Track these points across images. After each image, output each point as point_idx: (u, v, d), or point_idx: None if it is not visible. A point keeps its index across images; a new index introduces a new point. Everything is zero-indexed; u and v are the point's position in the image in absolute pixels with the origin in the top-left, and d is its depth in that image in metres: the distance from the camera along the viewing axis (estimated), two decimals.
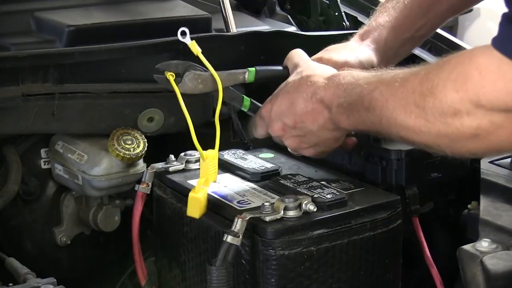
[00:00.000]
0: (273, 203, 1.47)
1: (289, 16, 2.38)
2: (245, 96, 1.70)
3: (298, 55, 1.66)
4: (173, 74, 1.62)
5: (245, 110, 1.70)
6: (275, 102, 1.57)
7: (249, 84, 1.70)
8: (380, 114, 1.38)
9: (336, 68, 1.62)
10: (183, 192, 1.64)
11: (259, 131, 1.64)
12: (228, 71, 1.69)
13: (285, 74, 1.67)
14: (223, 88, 1.64)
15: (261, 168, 1.68)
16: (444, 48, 2.04)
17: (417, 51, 2.00)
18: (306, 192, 1.54)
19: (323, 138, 1.55)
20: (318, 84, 1.51)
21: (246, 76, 1.68)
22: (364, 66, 1.67)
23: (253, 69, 1.69)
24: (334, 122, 1.50)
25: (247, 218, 1.44)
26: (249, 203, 1.53)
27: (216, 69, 1.92)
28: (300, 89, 1.53)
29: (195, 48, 1.63)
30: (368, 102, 1.40)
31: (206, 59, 1.91)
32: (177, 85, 1.61)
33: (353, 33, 2.14)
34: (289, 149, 1.64)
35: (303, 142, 1.57)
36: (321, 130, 1.52)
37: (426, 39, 1.83)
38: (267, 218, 1.45)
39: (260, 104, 1.67)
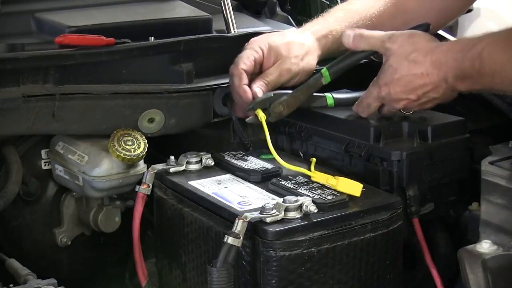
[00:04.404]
0: (274, 204, 1.47)
1: (289, 17, 2.38)
2: (327, 95, 1.81)
3: (379, 36, 1.72)
4: (262, 112, 1.75)
5: (332, 106, 1.81)
6: (390, 85, 1.67)
7: None
8: (491, 72, 1.54)
9: None
10: (183, 193, 1.64)
11: (372, 110, 1.74)
12: (304, 84, 1.80)
13: (360, 58, 1.77)
14: (306, 97, 1.79)
15: (261, 169, 1.68)
16: None
17: None
18: (306, 193, 1.54)
19: (444, 98, 1.68)
20: (426, 62, 1.63)
21: (323, 81, 1.78)
22: None
23: (326, 72, 1.77)
24: (452, 88, 1.64)
25: (247, 219, 1.44)
26: (250, 204, 1.53)
27: (216, 69, 1.94)
28: (414, 70, 1.64)
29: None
30: (478, 65, 1.55)
31: (207, 59, 1.93)
32: (266, 118, 1.75)
33: None
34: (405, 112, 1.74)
35: (428, 105, 1.70)
36: (442, 95, 1.66)
37: None
38: (268, 219, 1.45)
39: (343, 95, 1.80)
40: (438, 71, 1.61)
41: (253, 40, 1.85)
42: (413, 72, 1.64)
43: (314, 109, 1.82)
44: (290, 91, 1.79)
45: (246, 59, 1.80)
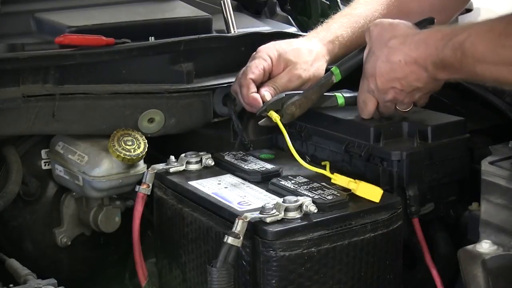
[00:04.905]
0: (274, 204, 1.47)
1: (289, 17, 2.38)
2: (337, 94, 1.80)
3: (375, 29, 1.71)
4: (275, 113, 1.75)
5: (343, 106, 1.80)
6: (375, 76, 1.66)
7: None
8: (473, 62, 1.51)
9: None
10: (183, 193, 1.64)
11: (370, 108, 1.72)
12: (315, 84, 1.80)
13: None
14: (318, 97, 1.79)
15: (261, 169, 1.67)
16: None
17: None
18: (306, 193, 1.54)
19: (429, 88, 1.66)
20: (403, 49, 1.61)
21: (334, 79, 1.78)
22: None
23: (336, 70, 1.78)
24: (433, 77, 1.61)
25: (247, 219, 1.44)
26: (250, 204, 1.53)
27: (216, 69, 1.94)
28: (391, 57, 1.62)
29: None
30: (460, 53, 1.52)
31: (207, 59, 1.93)
32: (280, 120, 1.74)
33: None
34: (401, 109, 1.72)
35: (416, 95, 1.68)
36: (425, 84, 1.63)
37: None
38: (268, 219, 1.45)
39: (353, 93, 1.77)
40: (416, 59, 1.60)
41: (261, 48, 1.84)
42: (392, 60, 1.62)
43: (321, 109, 1.81)
44: (301, 92, 1.78)
45: (255, 68, 1.80)
